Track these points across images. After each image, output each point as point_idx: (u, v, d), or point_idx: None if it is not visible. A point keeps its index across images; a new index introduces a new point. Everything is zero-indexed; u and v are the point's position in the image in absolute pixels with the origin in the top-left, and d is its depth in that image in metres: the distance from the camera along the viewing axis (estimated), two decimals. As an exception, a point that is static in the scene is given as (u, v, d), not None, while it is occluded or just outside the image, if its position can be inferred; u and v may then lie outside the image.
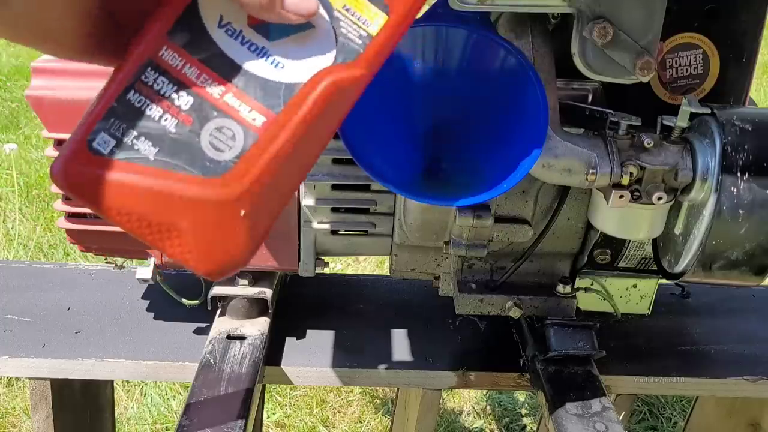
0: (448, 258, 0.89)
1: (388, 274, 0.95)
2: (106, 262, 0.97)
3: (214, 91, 0.41)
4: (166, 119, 0.41)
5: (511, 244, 0.85)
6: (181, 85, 0.41)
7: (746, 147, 0.67)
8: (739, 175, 0.67)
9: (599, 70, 0.64)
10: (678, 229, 0.73)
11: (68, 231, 0.89)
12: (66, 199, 0.87)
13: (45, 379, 0.91)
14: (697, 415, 1.19)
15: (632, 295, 0.92)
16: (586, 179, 0.69)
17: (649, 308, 0.94)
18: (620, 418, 0.82)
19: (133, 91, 0.40)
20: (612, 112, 0.70)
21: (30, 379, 0.92)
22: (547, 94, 0.62)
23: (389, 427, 1.25)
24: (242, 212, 0.41)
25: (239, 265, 0.43)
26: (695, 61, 0.75)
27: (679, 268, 0.74)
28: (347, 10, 0.43)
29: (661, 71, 0.75)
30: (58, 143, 0.85)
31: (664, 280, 0.86)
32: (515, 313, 0.85)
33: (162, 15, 0.41)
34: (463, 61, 0.68)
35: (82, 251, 0.92)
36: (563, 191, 0.82)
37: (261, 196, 0.42)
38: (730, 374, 0.93)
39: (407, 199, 0.82)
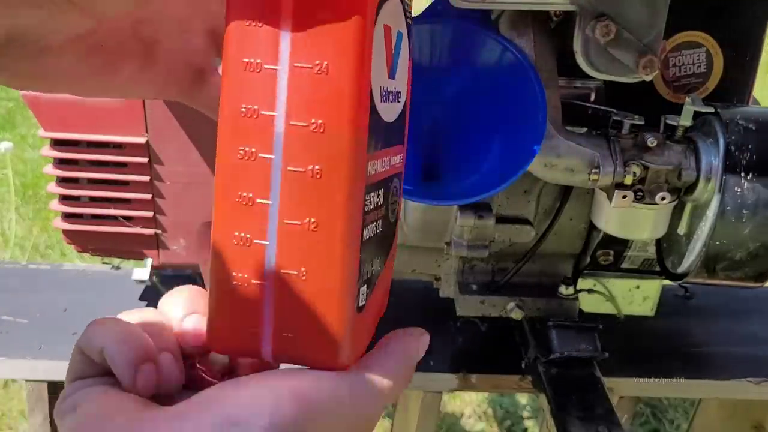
0: (449, 259, 0.88)
1: (388, 275, 0.94)
2: (103, 263, 0.96)
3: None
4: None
5: (513, 244, 0.85)
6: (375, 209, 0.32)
7: (750, 146, 0.66)
8: (742, 175, 0.66)
9: (602, 69, 0.63)
10: (681, 230, 0.73)
11: (65, 231, 0.88)
12: (62, 199, 0.86)
13: (42, 381, 0.90)
14: (701, 417, 1.18)
15: (635, 297, 0.92)
16: (589, 179, 0.68)
17: (652, 309, 0.93)
18: (623, 421, 0.81)
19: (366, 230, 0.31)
20: (615, 111, 0.70)
21: (27, 381, 0.91)
22: (548, 93, 0.62)
23: (389, 430, 1.24)
24: None
25: None
26: (698, 59, 0.75)
27: (682, 269, 0.74)
28: None
29: (664, 70, 0.74)
30: (55, 143, 0.84)
31: (667, 281, 0.85)
32: (517, 314, 0.84)
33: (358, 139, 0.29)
34: (462, 60, 0.67)
35: (78, 252, 0.91)
36: (565, 191, 0.81)
37: None
38: (734, 376, 0.92)
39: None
